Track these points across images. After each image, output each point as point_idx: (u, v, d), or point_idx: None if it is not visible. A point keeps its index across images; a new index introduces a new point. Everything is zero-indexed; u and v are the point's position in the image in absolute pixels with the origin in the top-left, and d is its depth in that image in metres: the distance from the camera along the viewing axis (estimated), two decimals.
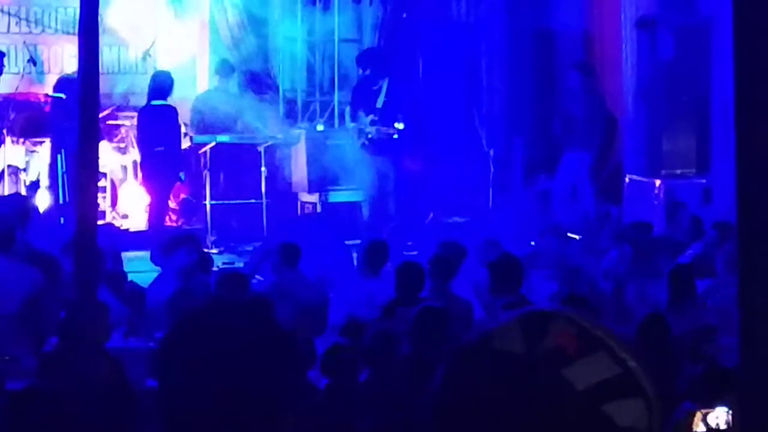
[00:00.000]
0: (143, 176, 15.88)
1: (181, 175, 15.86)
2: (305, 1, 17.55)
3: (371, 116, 15.67)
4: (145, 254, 12.70)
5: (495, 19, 18.31)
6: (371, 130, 15.63)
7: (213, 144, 15.67)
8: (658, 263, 11.68)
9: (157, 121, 15.56)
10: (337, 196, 16.25)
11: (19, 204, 13.46)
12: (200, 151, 15.70)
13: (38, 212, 14.74)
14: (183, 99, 16.14)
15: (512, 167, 17.27)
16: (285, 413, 2.48)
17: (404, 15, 18.02)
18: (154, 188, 15.70)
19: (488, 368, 1.56)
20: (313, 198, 16.38)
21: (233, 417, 2.41)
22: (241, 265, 12.76)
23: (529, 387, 1.52)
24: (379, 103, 15.68)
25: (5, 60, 15.56)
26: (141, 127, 15.80)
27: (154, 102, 15.66)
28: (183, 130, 15.96)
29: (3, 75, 15.54)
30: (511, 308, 1.79)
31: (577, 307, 8.68)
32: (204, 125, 16.00)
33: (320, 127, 17.23)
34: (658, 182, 15.58)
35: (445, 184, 16.53)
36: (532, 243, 13.89)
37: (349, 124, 16.38)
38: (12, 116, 15.76)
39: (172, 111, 15.72)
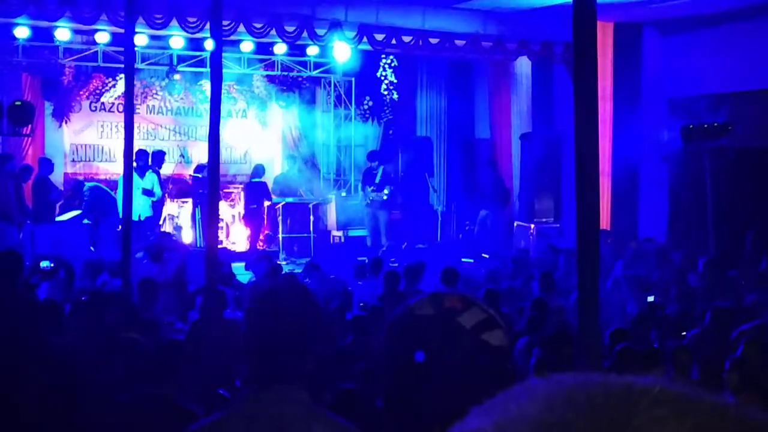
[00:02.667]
0: (245, 220, 15.93)
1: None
2: (336, 122, 17.62)
3: (372, 188, 15.69)
4: (242, 264, 12.77)
5: (441, 133, 18.38)
6: (372, 196, 15.65)
7: (284, 203, 15.69)
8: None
9: (257, 190, 15.62)
10: (353, 232, 16.23)
11: (166, 237, 13.61)
12: (276, 207, 15.71)
13: (183, 242, 14.84)
14: (268, 178, 16.18)
15: (450, 217, 17.27)
16: (313, 347, 2.51)
17: (390, 131, 18.07)
18: (252, 227, 15.75)
19: (414, 326, 1.61)
20: (340, 233, 16.39)
21: (289, 345, 2.45)
22: (299, 270, 12.72)
23: (440, 331, 1.59)
24: (377, 180, 15.69)
25: (166, 156, 15.64)
26: (247, 193, 15.89)
27: (254, 179, 15.76)
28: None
29: (165, 163, 15.59)
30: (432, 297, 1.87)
31: (491, 298, 8.76)
32: (279, 192, 16.02)
33: (343, 194, 17.27)
34: (532, 226, 15.57)
35: (413, 226, 16.52)
36: (462, 260, 13.88)
37: (360, 193, 16.41)
38: (170, 187, 15.81)
39: (265, 185, 15.79)
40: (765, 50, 14.11)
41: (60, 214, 14.60)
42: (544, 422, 0.49)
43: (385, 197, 15.59)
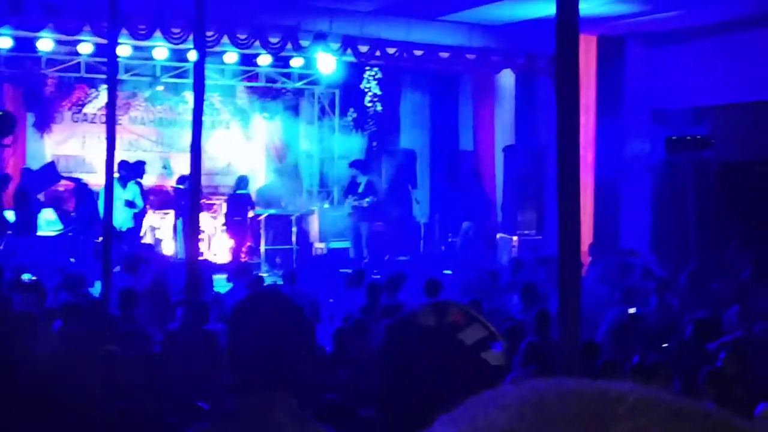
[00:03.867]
0: (228, 232, 15.86)
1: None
2: (319, 134, 17.61)
3: (355, 197, 15.64)
4: (224, 276, 12.70)
5: (425, 145, 18.40)
6: (356, 204, 15.59)
7: (266, 214, 15.64)
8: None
9: (240, 202, 15.58)
10: (335, 244, 16.15)
11: (146, 248, 13.55)
12: (259, 218, 15.66)
13: (163, 254, 14.71)
14: (251, 189, 16.12)
15: (433, 229, 17.25)
16: (304, 359, 2.50)
17: (374, 144, 18.06)
18: (235, 238, 15.69)
19: (415, 335, 1.58)
20: (322, 245, 16.30)
21: (274, 358, 2.43)
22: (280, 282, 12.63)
23: (440, 346, 1.56)
24: (360, 189, 15.64)
25: (146, 166, 15.50)
26: (230, 205, 15.84)
27: (239, 191, 15.71)
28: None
29: (146, 174, 15.49)
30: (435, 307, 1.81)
31: (476, 306, 8.73)
32: (262, 203, 15.97)
33: (326, 205, 17.22)
34: (515, 238, 15.59)
35: (396, 237, 16.49)
36: (444, 272, 13.84)
37: (344, 205, 16.35)
38: (152, 198, 15.73)
39: (249, 197, 15.76)
40: (748, 63, 14.21)
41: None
42: None
43: (366, 204, 15.54)
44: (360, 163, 16.36)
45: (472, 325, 1.58)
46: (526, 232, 15.64)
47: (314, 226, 16.61)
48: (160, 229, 15.54)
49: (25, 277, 10.25)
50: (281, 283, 11.74)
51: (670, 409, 0.49)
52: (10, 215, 13.96)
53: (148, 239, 15.06)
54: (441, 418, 0.53)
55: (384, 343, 1.65)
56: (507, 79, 16.85)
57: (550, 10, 4.05)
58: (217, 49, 14.26)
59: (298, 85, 17.14)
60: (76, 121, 16.32)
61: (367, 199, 15.48)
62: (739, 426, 0.50)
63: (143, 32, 13.29)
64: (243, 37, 13.92)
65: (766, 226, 13.36)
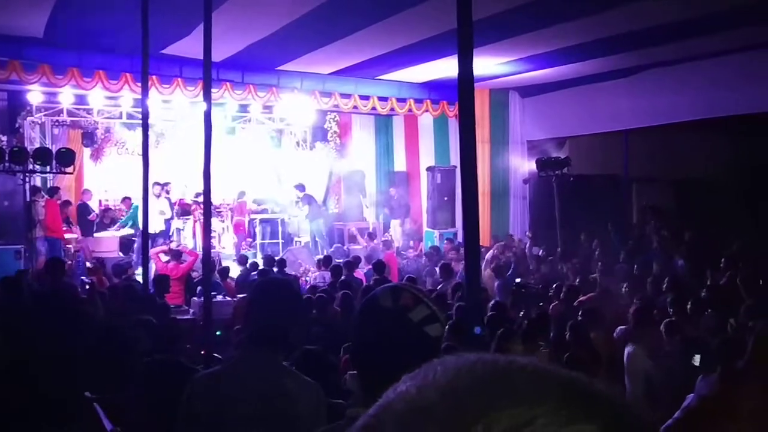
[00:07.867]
0: (235, 231, 15.63)
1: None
2: (297, 159, 17.37)
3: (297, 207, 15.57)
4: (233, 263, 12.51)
5: (371, 166, 18.31)
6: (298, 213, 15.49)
7: (260, 217, 15.43)
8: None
9: (241, 209, 15.33)
10: (308, 239, 16.00)
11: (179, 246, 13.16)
12: (254, 220, 15.46)
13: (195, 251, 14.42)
14: (248, 198, 15.85)
15: (377, 226, 17.20)
16: (294, 325, 2.48)
17: (334, 166, 17.89)
18: (238, 235, 15.46)
19: (378, 313, 1.56)
20: (300, 239, 16.15)
21: (277, 325, 2.40)
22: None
23: (395, 321, 1.53)
24: (298, 203, 15.56)
25: (171, 185, 15.12)
26: (233, 211, 15.59)
27: (239, 200, 15.45)
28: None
29: (172, 191, 15.08)
30: (380, 283, 1.75)
31: (412, 281, 8.74)
32: (258, 209, 15.75)
33: (302, 209, 17.03)
34: (436, 232, 15.65)
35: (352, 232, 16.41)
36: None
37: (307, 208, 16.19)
38: (176, 208, 15.35)
39: (245, 204, 15.51)
40: (593, 106, 14.51)
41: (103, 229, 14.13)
42: (450, 387, 0.49)
43: (303, 212, 15.40)
44: (300, 185, 16.04)
45: (418, 306, 1.55)
46: (444, 227, 15.69)
47: (294, 224, 16.45)
48: (183, 230, 15.26)
49: (88, 264, 10.06)
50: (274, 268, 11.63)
51: (549, 375, 0.50)
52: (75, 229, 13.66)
53: (175, 238, 14.77)
54: (405, 376, 0.53)
55: (357, 320, 1.62)
56: (427, 119, 16.92)
57: (454, 72, 4.09)
58: (221, 101, 14.09)
59: (280, 125, 16.99)
60: (120, 154, 15.99)
61: (304, 210, 15.35)
62: (595, 387, 0.50)
63: (167, 89, 13.08)
64: (239, 92, 13.79)
65: (605, 219, 13.63)
